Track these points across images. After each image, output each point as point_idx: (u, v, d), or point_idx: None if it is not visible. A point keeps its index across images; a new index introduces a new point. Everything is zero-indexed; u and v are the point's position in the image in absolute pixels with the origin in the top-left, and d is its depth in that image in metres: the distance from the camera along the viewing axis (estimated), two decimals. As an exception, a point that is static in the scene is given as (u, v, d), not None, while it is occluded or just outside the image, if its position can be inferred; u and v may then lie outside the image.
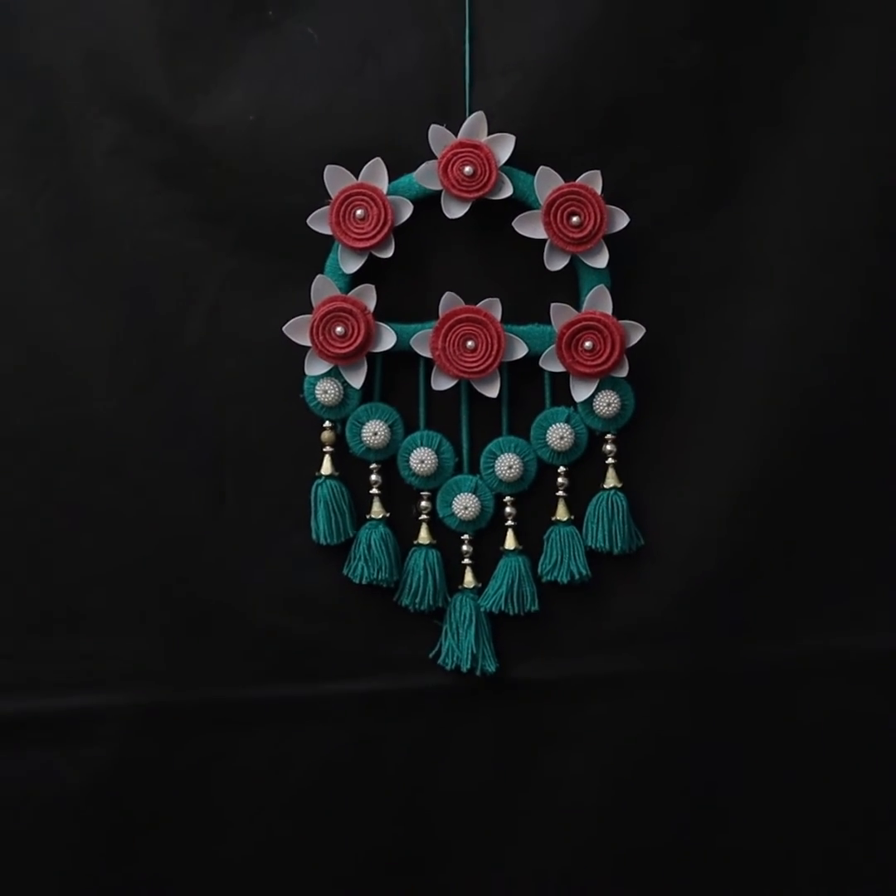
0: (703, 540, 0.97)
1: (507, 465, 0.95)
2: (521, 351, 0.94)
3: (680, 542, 0.97)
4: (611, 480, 0.96)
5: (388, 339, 0.94)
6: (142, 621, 0.97)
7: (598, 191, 0.92)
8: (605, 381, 0.95)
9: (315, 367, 0.94)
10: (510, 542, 0.97)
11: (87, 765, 0.97)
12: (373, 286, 0.93)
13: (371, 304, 0.93)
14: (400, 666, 0.97)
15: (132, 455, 0.96)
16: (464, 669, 0.96)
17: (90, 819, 0.97)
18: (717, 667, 0.99)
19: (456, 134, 0.92)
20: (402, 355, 0.94)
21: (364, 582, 0.95)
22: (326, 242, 0.94)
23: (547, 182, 0.92)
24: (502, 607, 0.96)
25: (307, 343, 0.93)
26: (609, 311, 0.93)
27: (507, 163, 0.92)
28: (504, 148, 0.92)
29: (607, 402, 0.95)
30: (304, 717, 0.98)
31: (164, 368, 0.96)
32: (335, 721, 0.98)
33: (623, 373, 0.94)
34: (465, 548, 0.97)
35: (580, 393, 0.95)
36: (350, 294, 0.93)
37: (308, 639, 0.97)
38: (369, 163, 0.92)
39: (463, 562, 0.97)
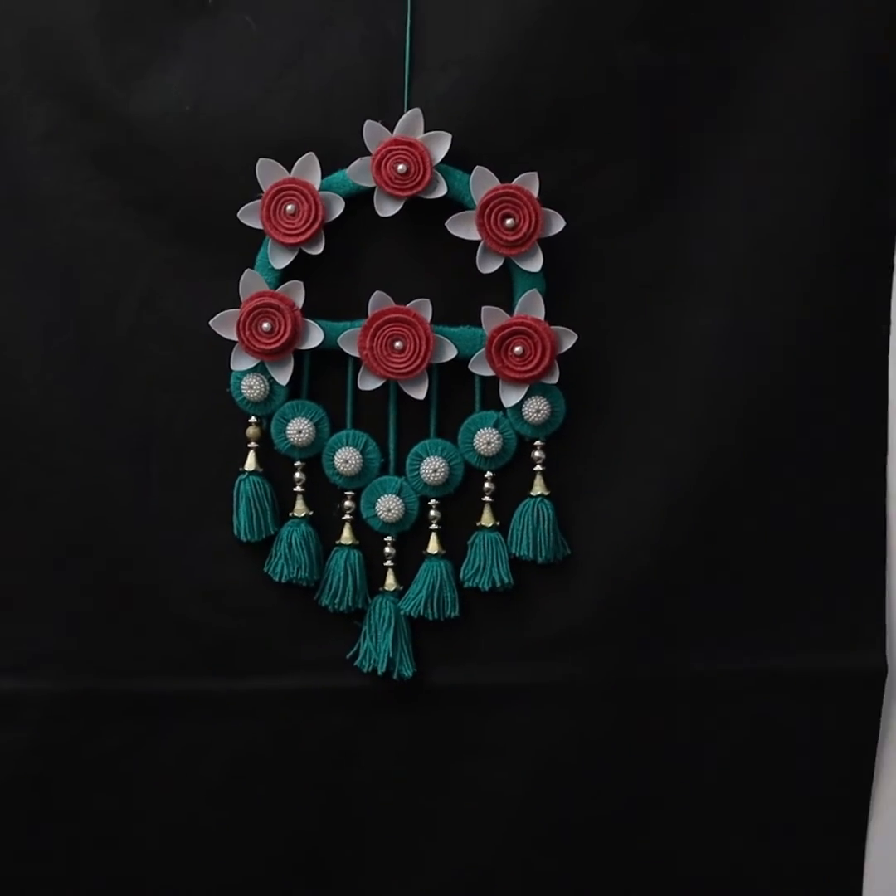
0: (630, 550, 0.95)
1: (433, 468, 0.93)
2: (450, 353, 0.91)
3: (606, 552, 0.95)
4: (538, 488, 0.94)
5: (315, 337, 0.91)
6: (62, 607, 0.95)
7: (535, 193, 0.89)
8: (535, 387, 0.92)
9: (241, 363, 0.92)
10: (433, 546, 0.94)
11: (4, 748, 0.96)
12: (301, 283, 0.91)
13: (299, 301, 0.91)
14: (318, 665, 0.96)
15: (58, 440, 0.94)
16: (380, 672, 0.94)
17: (4, 803, 0.97)
18: (639, 677, 0.96)
19: (392, 130, 0.90)
20: (331, 353, 0.92)
21: (284, 580, 0.94)
22: (259, 236, 0.91)
23: (482, 182, 0.90)
24: (422, 611, 0.94)
25: (234, 338, 0.91)
26: (541, 316, 0.90)
27: (443, 161, 0.90)
28: (440, 146, 0.89)
29: (536, 408, 0.92)
30: (220, 712, 0.96)
31: (93, 356, 0.94)
32: (251, 717, 0.96)
33: (553, 379, 0.91)
34: (387, 550, 0.95)
35: (509, 398, 0.92)
36: (278, 290, 0.91)
37: (227, 633, 0.95)
38: (302, 158, 0.90)
39: (385, 564, 0.95)
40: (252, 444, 0.93)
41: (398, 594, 0.95)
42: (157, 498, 0.94)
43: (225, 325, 0.91)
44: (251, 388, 0.92)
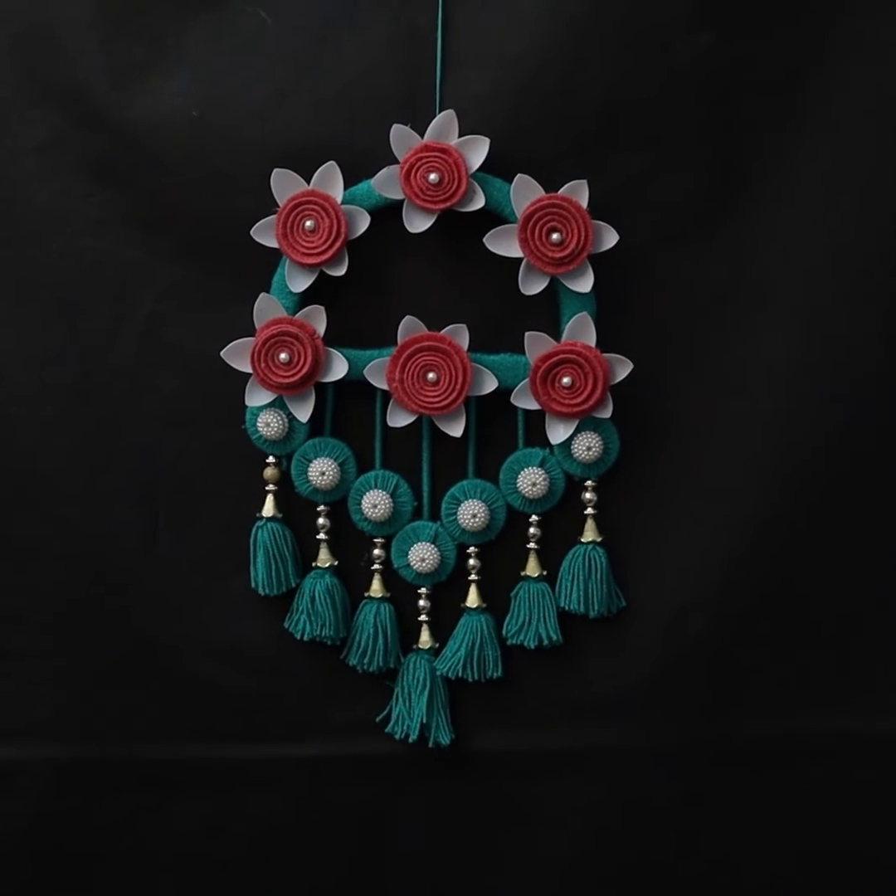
0: (690, 604, 0.83)
1: (472, 512, 0.81)
2: (490, 385, 0.80)
3: (664, 605, 0.83)
4: (589, 533, 0.82)
5: (339, 368, 0.80)
6: (61, 667, 0.84)
7: (584, 204, 0.77)
8: (586, 422, 0.80)
9: (257, 397, 0.81)
10: (473, 599, 0.82)
11: (2, 820, 0.85)
12: (323, 307, 0.79)
13: (320, 328, 0.79)
14: (344, 730, 0.84)
15: (56, 484, 0.83)
16: (413, 739, 0.82)
17: (4, 875, 0.86)
18: (698, 745, 0.84)
19: (422, 135, 0.78)
20: (356, 386, 0.80)
21: (306, 638, 0.82)
22: (276, 256, 0.80)
23: (525, 192, 0.78)
24: (460, 672, 0.82)
25: (248, 370, 0.79)
26: (592, 343, 0.78)
27: (480, 169, 0.78)
28: (477, 152, 0.78)
29: (587, 446, 0.80)
30: (237, 781, 0.85)
31: (94, 390, 0.83)
32: (271, 787, 0.85)
33: (606, 413, 0.79)
34: (421, 603, 0.83)
35: (557, 434, 0.80)
36: (297, 316, 0.79)
37: (244, 696, 0.84)
38: (322, 167, 0.78)
39: (419, 618, 0.83)
40: (270, 487, 0.82)
41: (434, 652, 0.83)
42: (166, 547, 0.83)
43: (238, 355, 0.79)
44: (268, 425, 0.81)
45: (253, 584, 0.82)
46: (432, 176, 0.77)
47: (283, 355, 0.79)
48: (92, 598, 0.84)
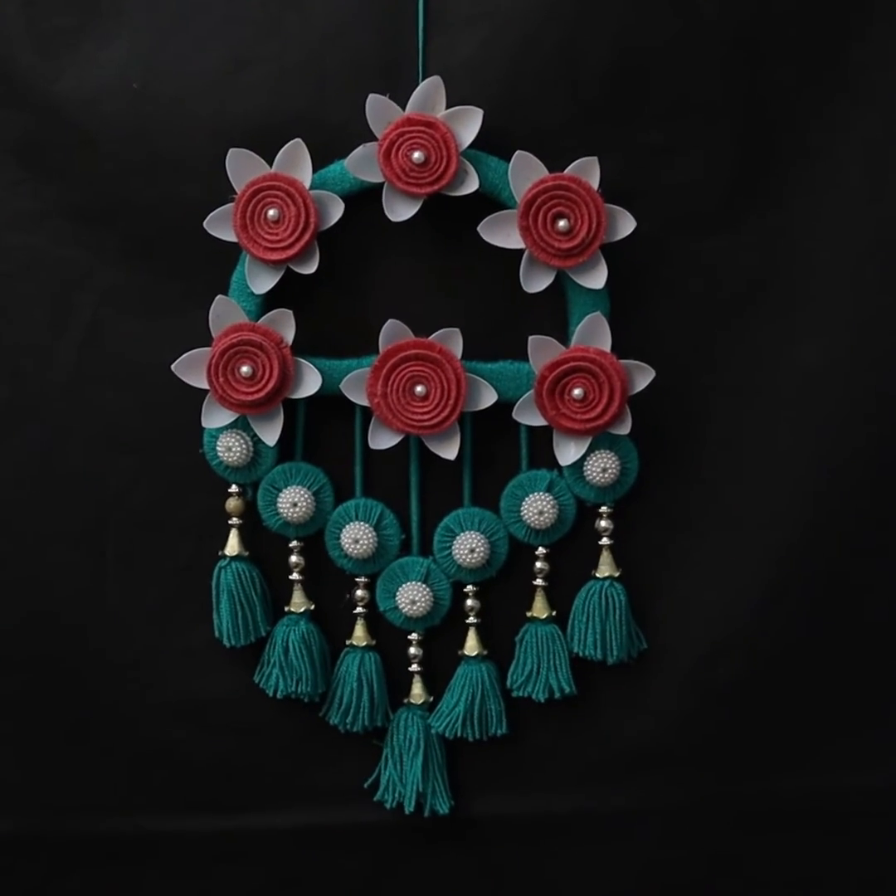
0: (719, 646, 0.71)
1: (469, 546, 0.68)
2: (488, 398, 0.67)
3: (689, 648, 0.71)
4: (605, 567, 0.69)
5: (311, 382, 0.67)
6: (4, 735, 0.71)
7: (595, 185, 0.64)
8: (601, 439, 0.67)
9: (215, 418, 0.67)
10: (471, 646, 0.70)
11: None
12: (290, 311, 0.66)
13: (288, 335, 0.66)
14: (328, 798, 0.71)
15: (-13, 521, 0.70)
16: (408, 810, 0.69)
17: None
18: (726, 804, 0.72)
19: (403, 107, 0.65)
20: (332, 402, 0.67)
21: (280, 695, 0.69)
22: (234, 251, 0.66)
23: (526, 172, 0.65)
24: (459, 730, 0.69)
25: (204, 385, 0.66)
26: (607, 348, 0.66)
27: (472, 146, 0.65)
28: (468, 125, 0.65)
29: (603, 467, 0.67)
30: (209, 856, 0.72)
31: (27, 410, 0.70)
32: (246, 862, 0.72)
33: (624, 429, 0.67)
34: (412, 651, 0.70)
35: (567, 454, 0.67)
36: (260, 321, 0.66)
37: (211, 762, 0.71)
38: (286, 146, 0.65)
39: (410, 669, 0.70)
40: (234, 521, 0.69)
41: (428, 708, 0.70)
42: (115, 592, 0.71)
43: (192, 368, 0.66)
44: (230, 449, 0.67)
45: (216, 634, 0.69)
46: (416, 154, 0.64)
47: (244, 368, 0.65)
48: (30, 652, 0.70)
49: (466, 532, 0.68)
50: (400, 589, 0.69)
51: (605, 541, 0.69)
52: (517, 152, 0.65)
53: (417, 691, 0.70)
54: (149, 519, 0.70)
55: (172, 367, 0.66)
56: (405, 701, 0.70)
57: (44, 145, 0.68)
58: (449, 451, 0.67)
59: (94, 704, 0.71)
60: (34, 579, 0.70)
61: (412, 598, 0.69)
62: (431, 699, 0.70)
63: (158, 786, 0.72)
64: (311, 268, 0.66)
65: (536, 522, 0.68)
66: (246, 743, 0.71)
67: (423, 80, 0.65)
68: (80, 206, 0.68)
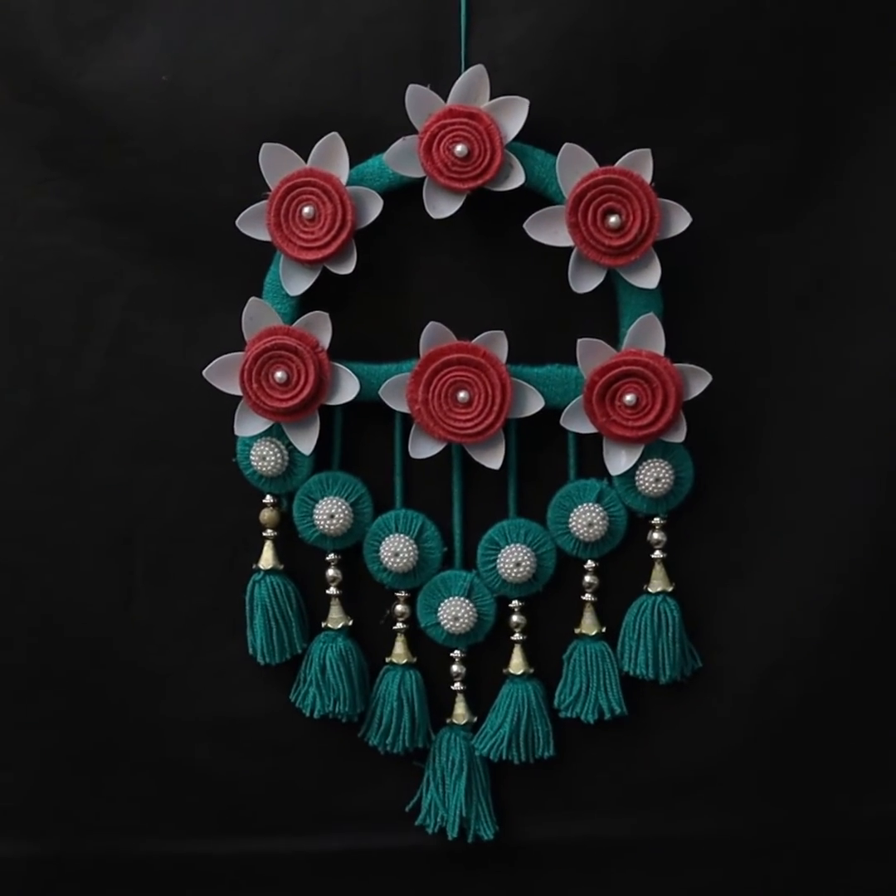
0: (780, 665, 0.66)
1: (515, 559, 0.64)
2: (535, 404, 0.63)
3: (748, 668, 0.67)
4: (658, 581, 0.65)
5: (348, 388, 0.63)
6: (29, 753, 0.69)
7: (648, 178, 0.60)
8: (654, 447, 0.63)
9: (249, 426, 0.64)
10: (517, 664, 0.66)
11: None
12: (327, 314, 0.62)
13: (324, 339, 0.62)
14: (366, 822, 0.68)
15: (13, 533, 0.67)
16: (451, 836, 0.66)
17: None
18: (787, 833, 0.68)
19: (445, 98, 0.61)
20: (370, 409, 0.64)
21: (316, 715, 0.66)
22: (267, 251, 0.63)
23: (574, 166, 0.61)
24: (504, 752, 0.65)
25: (237, 392, 0.63)
26: (660, 351, 0.61)
27: (518, 138, 0.61)
28: (513, 117, 0.61)
29: (656, 476, 0.63)
30: (243, 881, 0.69)
31: (54, 416, 0.67)
32: (282, 887, 0.69)
33: (679, 437, 0.62)
34: (455, 669, 0.66)
35: (618, 463, 0.63)
36: (295, 324, 0.62)
37: (245, 783, 0.68)
38: (322, 140, 0.61)
39: (452, 687, 0.66)
40: (268, 533, 0.65)
41: (471, 728, 0.66)
42: (145, 606, 0.67)
43: (224, 374, 0.63)
44: (264, 458, 0.64)
45: (251, 651, 0.66)
46: (459, 147, 0.60)
47: (279, 373, 0.62)
48: (59, 669, 0.67)
49: (512, 545, 0.65)
50: (442, 604, 0.65)
51: (657, 554, 0.65)
52: (565, 144, 0.60)
53: (460, 711, 0.66)
54: (179, 531, 0.67)
55: (204, 372, 0.62)
56: (448, 721, 0.67)
57: (70, 142, 0.64)
58: (493, 460, 0.63)
59: (122, 722, 0.68)
60: (60, 593, 0.67)
61: (455, 613, 0.65)
62: (475, 719, 0.66)
63: (189, 807, 0.68)
64: (348, 268, 0.62)
65: (585, 535, 0.64)
66: (281, 763, 0.68)
67: (465, 68, 0.61)
68: (107, 204, 0.65)
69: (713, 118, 0.63)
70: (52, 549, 0.67)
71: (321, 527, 0.64)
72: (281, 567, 0.66)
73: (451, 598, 0.65)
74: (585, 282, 0.62)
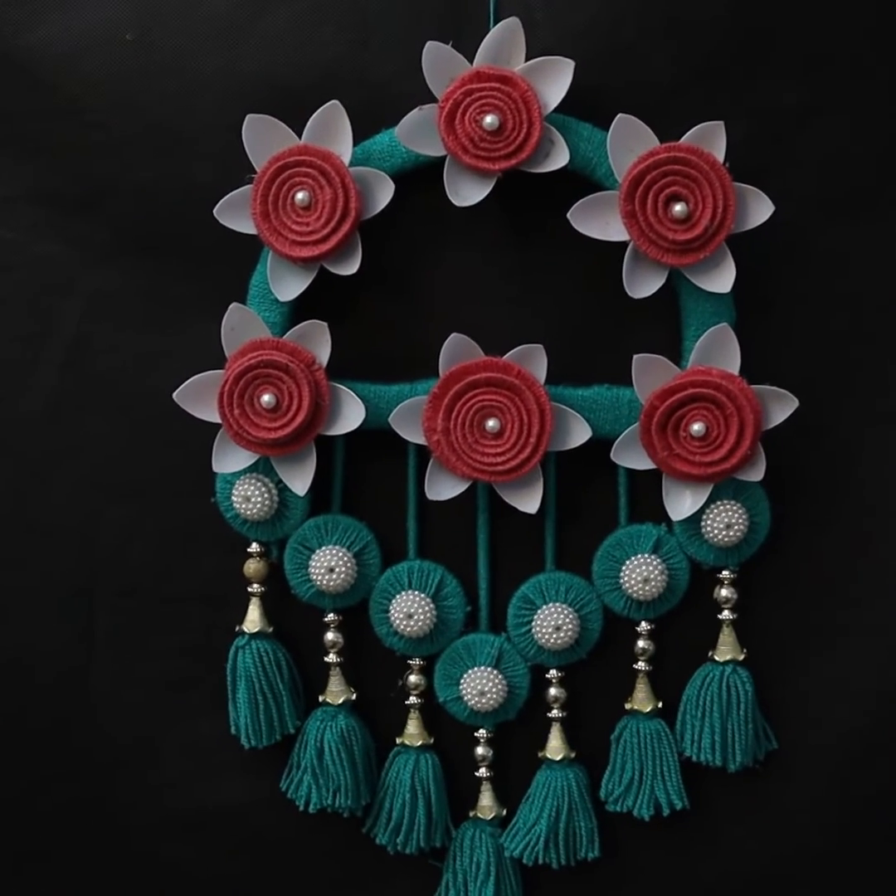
0: (869, 747, 0.54)
1: (555, 622, 0.52)
2: (580, 435, 0.50)
3: (833, 750, 0.54)
4: (727, 648, 0.53)
5: (351, 415, 0.50)
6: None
7: (720, 158, 0.48)
8: (724, 487, 0.51)
9: (230, 460, 0.51)
10: (556, 746, 0.53)
11: None
12: (325, 324, 0.50)
13: (322, 355, 0.50)
14: (374, 933, 0.56)
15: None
16: (476, 954, 0.53)
17: None
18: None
19: (471, 59, 0.48)
20: (378, 439, 0.51)
21: (312, 809, 0.53)
22: (252, 247, 0.50)
23: (630, 142, 0.48)
24: (541, 854, 0.53)
25: (216, 419, 0.50)
26: (735, 370, 0.49)
27: (559, 109, 0.49)
28: (554, 82, 0.49)
29: (727, 522, 0.51)
30: None
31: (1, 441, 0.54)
32: None
33: (756, 475, 0.50)
34: (480, 751, 0.54)
35: (681, 505, 0.51)
36: (286, 337, 0.50)
37: (226, 883, 0.55)
38: (320, 111, 0.49)
39: (477, 774, 0.54)
40: (255, 589, 0.53)
41: (500, 823, 0.54)
42: (105, 673, 0.55)
43: (199, 397, 0.50)
44: (248, 499, 0.51)
45: (233, 730, 0.53)
46: (488, 119, 0.48)
47: (266, 397, 0.49)
48: (2, 748, 0.55)
49: (550, 604, 0.52)
50: (465, 675, 0.52)
51: (726, 615, 0.53)
52: (619, 116, 0.48)
53: (487, 803, 0.54)
54: (147, 584, 0.54)
55: (175, 395, 0.50)
56: (471, 814, 0.54)
57: (13, 116, 0.52)
58: (529, 502, 0.51)
59: (78, 813, 0.55)
60: (6, 655, 0.55)
61: (480, 687, 0.52)
62: (504, 813, 0.54)
63: (163, 912, 0.56)
64: (351, 268, 0.50)
65: (640, 592, 0.52)
66: (269, 862, 0.55)
67: (494, 23, 0.49)
68: (60, 191, 0.53)
69: (793, 87, 0.50)
70: (-2, 603, 0.55)
71: (318, 582, 0.52)
72: (270, 630, 0.53)
73: (475, 668, 0.52)
74: (643, 285, 0.49)
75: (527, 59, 0.49)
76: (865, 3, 0.51)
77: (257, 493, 0.51)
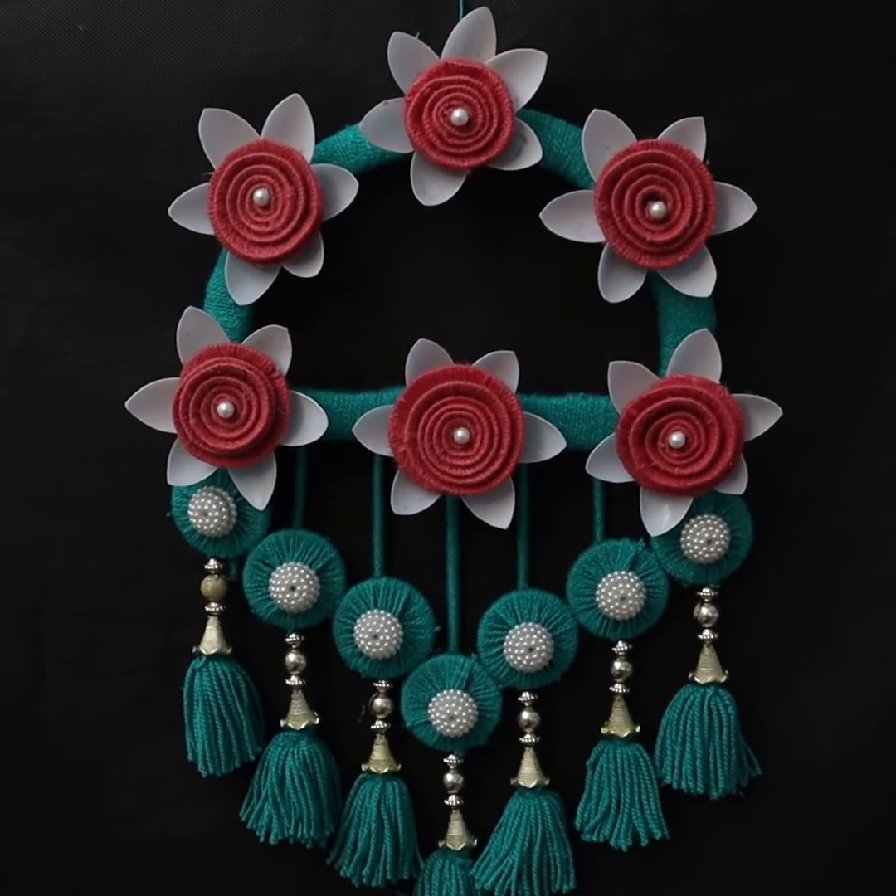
0: (858, 773, 0.51)
1: (527, 643, 0.49)
2: (553, 446, 0.48)
3: (822, 774, 0.51)
4: (708, 670, 0.50)
5: (313, 425, 0.48)
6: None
7: (700, 155, 0.45)
8: (704, 501, 0.48)
9: (185, 473, 0.48)
10: (528, 773, 0.50)
11: None
12: (285, 329, 0.47)
13: (282, 361, 0.47)
14: (338, 971, 0.52)
15: None
16: None
17: None
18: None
19: (439, 51, 0.46)
20: (342, 450, 0.48)
21: (273, 840, 0.50)
22: (209, 248, 0.48)
23: (606, 139, 0.46)
24: (513, 887, 0.50)
25: (170, 428, 0.47)
26: (716, 377, 0.47)
27: (532, 104, 0.46)
28: (527, 75, 0.46)
29: (707, 537, 0.48)
30: None
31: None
32: None
33: (738, 488, 0.48)
34: (450, 778, 0.51)
35: (659, 520, 0.48)
36: (244, 342, 0.47)
37: (185, 920, 0.53)
38: (280, 104, 0.46)
39: (446, 802, 0.51)
40: (212, 608, 0.50)
41: (470, 854, 0.51)
42: (57, 697, 0.52)
43: (153, 406, 0.47)
44: (205, 514, 0.48)
45: (190, 757, 0.50)
46: (457, 113, 0.45)
47: (223, 406, 0.47)
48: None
49: (523, 624, 0.49)
50: (434, 699, 0.50)
51: (707, 634, 0.50)
52: (594, 111, 0.46)
53: (457, 832, 0.51)
54: (100, 603, 0.51)
55: (128, 403, 0.47)
56: (440, 845, 0.51)
57: (-42, 110, 0.50)
58: (500, 516, 0.48)
59: (26, 844, 0.52)
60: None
61: (450, 711, 0.49)
62: (475, 843, 0.51)
63: (117, 949, 0.53)
64: (313, 270, 0.47)
65: (616, 611, 0.49)
66: (228, 895, 0.53)
67: (464, 13, 0.47)
68: (7, 190, 0.50)
69: (779, 79, 0.48)
70: (-59, 627, 0.52)
71: (279, 600, 0.49)
72: (228, 651, 0.50)
73: (445, 692, 0.49)
74: (620, 288, 0.47)
75: (498, 52, 0.47)
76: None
77: (215, 507, 0.49)
